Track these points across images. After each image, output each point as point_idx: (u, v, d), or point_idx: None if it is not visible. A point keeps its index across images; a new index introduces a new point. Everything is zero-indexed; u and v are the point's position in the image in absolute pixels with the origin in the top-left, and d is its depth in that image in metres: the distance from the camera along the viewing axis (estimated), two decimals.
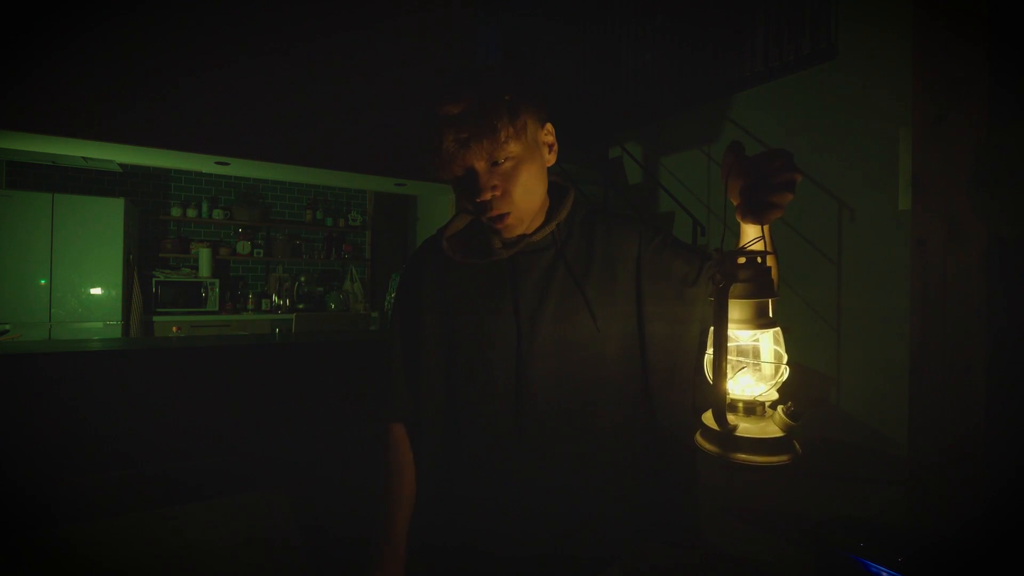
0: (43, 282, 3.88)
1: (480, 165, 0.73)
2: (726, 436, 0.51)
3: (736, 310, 0.53)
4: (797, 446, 0.53)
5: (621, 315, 0.81)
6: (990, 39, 1.39)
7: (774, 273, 0.55)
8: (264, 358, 2.42)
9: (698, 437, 0.55)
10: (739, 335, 0.55)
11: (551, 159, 0.81)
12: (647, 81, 3.84)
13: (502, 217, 0.77)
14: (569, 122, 4.29)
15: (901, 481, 1.67)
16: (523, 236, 0.82)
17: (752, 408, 0.54)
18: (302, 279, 5.31)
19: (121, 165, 4.45)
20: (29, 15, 2.74)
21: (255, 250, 5.13)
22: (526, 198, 0.77)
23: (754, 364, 0.56)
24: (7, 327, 3.65)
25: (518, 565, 0.80)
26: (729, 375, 0.54)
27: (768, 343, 0.56)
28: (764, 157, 0.55)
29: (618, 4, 4.10)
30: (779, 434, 0.51)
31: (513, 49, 4.75)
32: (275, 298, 5.08)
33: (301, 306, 5.16)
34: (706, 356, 0.57)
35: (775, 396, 0.55)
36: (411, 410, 0.88)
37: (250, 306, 5.00)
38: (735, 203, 0.58)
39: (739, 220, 0.59)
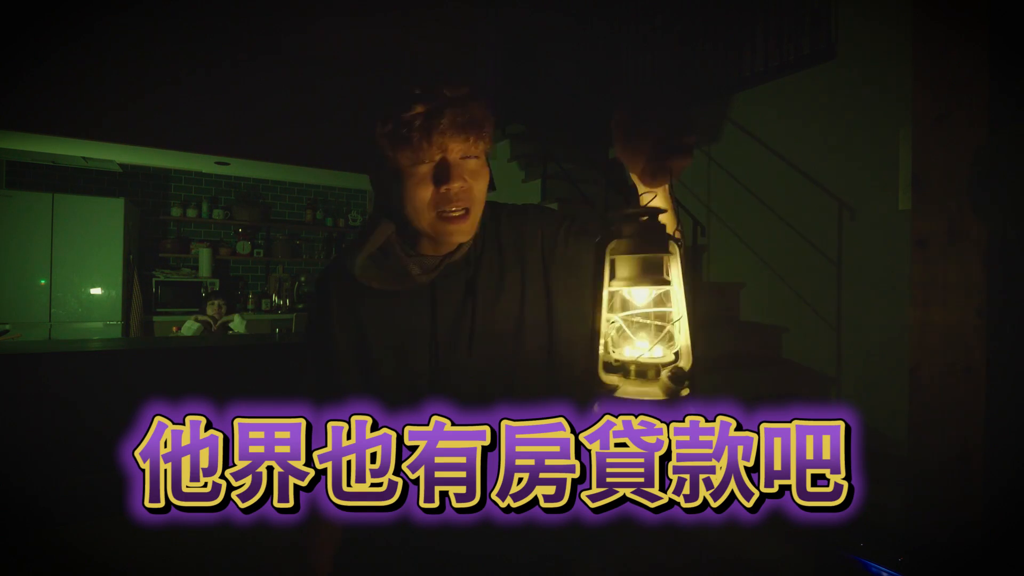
0: (43, 282, 3.88)
1: (454, 156, 0.71)
2: (604, 398, 0.49)
3: (623, 267, 0.51)
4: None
5: (536, 324, 0.79)
6: (990, 39, 1.38)
7: (670, 228, 0.53)
8: (264, 358, 2.43)
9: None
10: (633, 294, 0.53)
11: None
12: (647, 81, 3.84)
13: (463, 215, 0.73)
14: (569, 122, 4.29)
15: (901, 481, 1.67)
16: (443, 258, 0.78)
17: (644, 371, 0.51)
18: (302, 279, 5.31)
19: (121, 165, 4.46)
20: (29, 15, 2.75)
21: (255, 250, 5.13)
22: (481, 201, 0.76)
23: (642, 323, 0.53)
24: (7, 327, 3.65)
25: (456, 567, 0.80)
26: (611, 335, 0.53)
27: (662, 300, 0.54)
28: (662, 120, 0.54)
29: (619, 3, 4.10)
30: (660, 397, 0.49)
31: (513, 48, 4.74)
32: (275, 298, 5.08)
33: (301, 306, 5.16)
34: (601, 317, 0.55)
35: (671, 358, 0.52)
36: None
37: (250, 306, 5.00)
38: (626, 163, 0.57)
39: (636, 183, 0.58)
